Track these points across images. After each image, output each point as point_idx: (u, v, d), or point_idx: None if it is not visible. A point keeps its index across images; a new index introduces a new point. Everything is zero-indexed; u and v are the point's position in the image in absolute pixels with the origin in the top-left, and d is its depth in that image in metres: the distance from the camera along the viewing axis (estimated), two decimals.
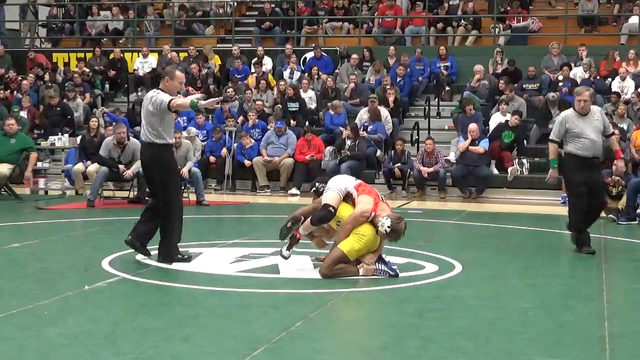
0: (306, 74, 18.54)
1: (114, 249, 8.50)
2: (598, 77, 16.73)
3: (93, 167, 13.58)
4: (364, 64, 18.88)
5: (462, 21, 20.03)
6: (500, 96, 16.46)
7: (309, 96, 17.61)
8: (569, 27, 19.07)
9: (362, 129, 15.66)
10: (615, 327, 5.77)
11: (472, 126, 15.07)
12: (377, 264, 7.38)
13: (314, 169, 15.33)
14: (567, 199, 13.70)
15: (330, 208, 7.40)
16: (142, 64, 19.90)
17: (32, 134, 16.47)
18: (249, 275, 7.45)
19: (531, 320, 5.99)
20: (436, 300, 6.58)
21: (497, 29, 19.56)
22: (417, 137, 16.29)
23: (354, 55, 18.60)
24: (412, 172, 15.11)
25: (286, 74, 18.69)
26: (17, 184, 14.44)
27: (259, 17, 21.56)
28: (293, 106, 17.13)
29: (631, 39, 18.92)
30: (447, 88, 18.22)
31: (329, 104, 16.92)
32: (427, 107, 17.06)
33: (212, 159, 15.90)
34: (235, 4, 22.45)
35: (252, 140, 16.01)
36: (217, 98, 8.09)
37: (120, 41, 22.09)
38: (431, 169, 14.92)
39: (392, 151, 15.54)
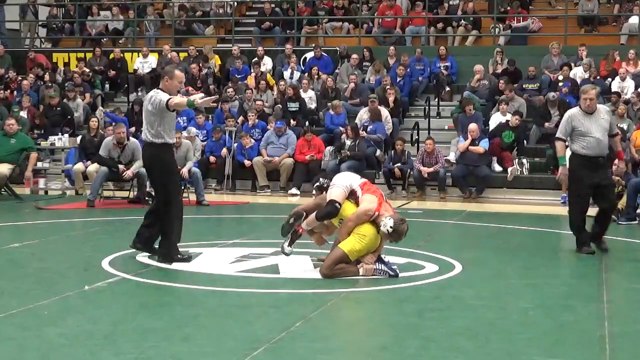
0: (306, 74, 18.54)
1: (114, 249, 8.51)
2: (598, 77, 16.73)
3: (93, 167, 13.58)
4: (364, 64, 18.88)
5: (462, 21, 20.02)
6: (500, 96, 16.46)
7: (309, 96, 17.61)
8: (569, 27, 19.07)
9: (362, 129, 15.66)
10: (615, 327, 5.77)
11: (472, 126, 15.07)
12: (376, 263, 7.38)
13: (314, 169, 15.34)
14: (566, 198, 13.81)
15: (337, 204, 7.38)
16: (142, 64, 19.90)
17: (32, 134, 16.48)
18: (249, 275, 7.45)
19: (531, 320, 5.99)
20: (436, 300, 6.58)
21: (497, 29, 19.56)
22: (417, 137, 16.29)
23: (354, 55, 18.60)
24: (412, 172, 15.11)
25: (287, 74, 18.69)
26: (17, 184, 14.44)
27: (259, 17, 21.56)
28: (293, 106, 17.13)
29: (631, 39, 18.92)
30: (447, 88, 18.21)
31: (329, 104, 16.92)
32: (427, 107, 17.06)
33: (212, 159, 15.91)
34: (235, 4, 22.45)
35: (252, 140, 16.01)
36: (213, 97, 8.09)
37: (120, 41, 22.09)
38: (431, 169, 14.92)
39: (392, 151, 15.54)
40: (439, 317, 6.02)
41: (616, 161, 9.36)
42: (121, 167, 13.07)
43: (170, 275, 7.47)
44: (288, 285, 7.12)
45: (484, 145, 15.00)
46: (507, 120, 15.53)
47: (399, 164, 15.19)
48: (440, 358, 5.01)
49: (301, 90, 17.51)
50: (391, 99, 16.73)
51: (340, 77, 18.37)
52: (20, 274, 7.45)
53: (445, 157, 15.29)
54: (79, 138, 15.65)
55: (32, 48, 22.56)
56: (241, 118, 16.92)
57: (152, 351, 5.00)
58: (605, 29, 19.66)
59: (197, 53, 19.63)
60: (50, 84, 18.88)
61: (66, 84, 18.88)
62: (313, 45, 19.63)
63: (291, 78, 18.53)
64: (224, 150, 15.88)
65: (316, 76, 18.36)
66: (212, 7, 22.60)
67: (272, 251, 8.50)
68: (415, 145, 16.17)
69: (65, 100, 18.00)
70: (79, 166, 14.23)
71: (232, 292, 6.82)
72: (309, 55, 19.46)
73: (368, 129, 15.76)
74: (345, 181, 7.60)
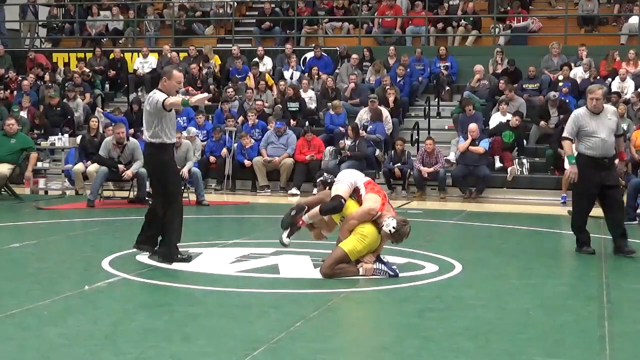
0: (306, 74, 18.54)
1: (114, 249, 8.51)
2: (598, 77, 16.73)
3: (93, 167, 13.58)
4: (364, 64, 18.88)
5: (462, 21, 20.03)
6: (500, 96, 16.46)
7: (309, 96, 17.61)
8: (569, 27, 19.06)
9: (362, 129, 15.66)
10: (615, 327, 5.77)
11: (472, 126, 15.07)
12: (376, 263, 7.38)
13: (314, 169, 15.32)
14: (566, 198, 13.81)
15: (342, 199, 7.38)
16: (142, 64, 19.90)
17: (32, 134, 16.48)
18: (249, 275, 7.45)
19: (531, 320, 5.98)
20: (436, 300, 6.58)
21: (497, 29, 19.56)
22: (417, 137, 16.29)
23: (354, 55, 18.60)
24: (412, 172, 15.11)
25: (287, 74, 18.69)
26: (17, 184, 14.44)
27: (259, 17, 21.56)
28: (293, 106, 17.13)
29: (631, 39, 18.92)
30: (447, 88, 18.21)
31: (329, 104, 16.92)
32: (427, 107, 17.06)
33: (212, 159, 15.91)
34: (235, 4, 22.45)
35: (252, 140, 16.02)
36: (206, 94, 8.07)
37: (120, 41, 22.09)
38: (431, 169, 14.92)
39: (392, 151, 15.54)
40: (439, 317, 6.01)
41: (616, 161, 9.34)
42: (121, 167, 13.07)
43: (170, 275, 7.47)
44: (288, 285, 7.12)
45: (484, 145, 15.00)
46: (508, 120, 15.53)
47: (399, 164, 15.19)
48: (440, 358, 5.01)
49: (301, 90, 17.51)
50: (391, 99, 16.73)
51: (340, 77, 18.37)
52: (20, 274, 7.45)
53: (445, 157, 15.29)
54: (79, 138, 15.66)
55: (32, 48, 22.57)
56: (241, 118, 16.92)
57: (152, 351, 5.00)
58: (605, 29, 19.67)
59: (197, 53, 19.63)
60: (50, 84, 18.89)
61: (66, 84, 18.89)
62: (313, 45, 19.63)
63: (291, 78, 18.54)
64: (224, 150, 15.88)
65: (316, 76, 18.36)
66: (212, 7, 22.61)
67: (272, 251, 8.51)
68: (415, 145, 16.17)
69: (65, 100, 18.01)
70: (79, 166, 14.23)
71: (232, 292, 6.81)
72: (309, 55, 19.46)
73: (368, 129, 15.76)
74: (350, 178, 7.60)
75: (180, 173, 12.15)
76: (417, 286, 7.11)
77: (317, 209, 7.49)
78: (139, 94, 18.83)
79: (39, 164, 15.51)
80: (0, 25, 23.35)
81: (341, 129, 16.04)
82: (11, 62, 20.87)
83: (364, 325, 6.12)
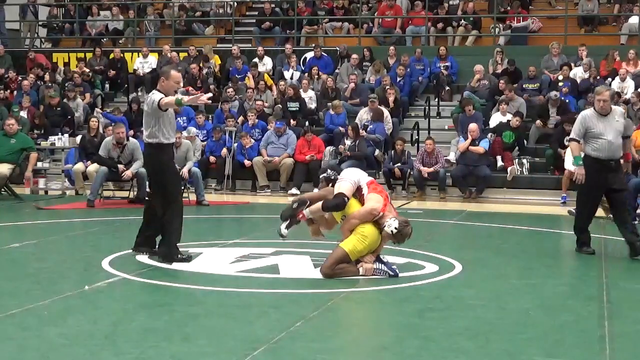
0: (306, 74, 18.54)
1: (114, 249, 8.51)
2: (598, 77, 16.72)
3: (93, 167, 13.58)
4: (364, 64, 18.88)
5: (462, 21, 20.02)
6: (500, 96, 16.46)
7: (309, 96, 17.61)
8: (569, 27, 19.06)
9: (362, 129, 15.65)
10: (615, 327, 5.77)
11: (472, 126, 15.06)
12: (375, 263, 7.39)
13: (314, 169, 15.32)
14: (566, 198, 13.81)
15: (346, 197, 7.38)
16: (142, 64, 19.89)
17: (32, 134, 16.47)
18: (249, 275, 7.45)
19: (531, 320, 5.99)
20: (436, 300, 6.58)
21: (497, 29, 19.56)
22: (417, 137, 16.28)
23: (354, 55, 18.59)
24: (412, 172, 15.11)
25: (287, 74, 18.69)
26: (17, 184, 14.44)
27: (259, 17, 21.56)
28: (293, 106, 17.13)
29: (631, 39, 18.91)
30: (447, 88, 18.21)
31: (329, 104, 16.92)
32: (427, 107, 17.06)
33: (212, 159, 15.91)
34: (235, 4, 22.45)
35: (252, 140, 16.01)
36: (199, 94, 8.07)
37: (120, 41, 22.09)
38: (431, 169, 14.92)
39: (392, 151, 15.54)
40: (439, 317, 6.01)
41: (621, 161, 9.32)
42: (121, 167, 13.07)
43: (170, 275, 7.47)
44: (288, 285, 7.12)
45: (484, 145, 15.00)
46: (508, 120, 15.53)
47: (399, 164, 15.19)
48: (440, 358, 5.01)
49: (301, 90, 17.51)
50: (391, 99, 16.72)
51: (340, 77, 18.37)
52: (20, 274, 7.45)
53: (445, 157, 15.28)
54: (79, 138, 15.65)
55: (32, 48, 22.56)
56: (241, 118, 16.92)
57: (152, 351, 5.00)
58: (605, 29, 19.66)
59: (197, 53, 19.63)
60: (50, 84, 18.89)
61: (66, 84, 18.89)
62: (313, 45, 19.63)
63: (291, 78, 18.53)
64: (224, 150, 15.88)
65: (316, 76, 18.36)
66: (212, 7, 22.61)
67: (272, 251, 8.51)
68: (415, 145, 16.16)
69: (65, 100, 18.01)
70: (79, 166, 14.23)
71: (232, 292, 6.81)
72: (309, 55, 19.46)
73: (368, 129, 15.76)
74: (354, 176, 7.60)
75: (180, 173, 12.15)
76: (417, 286, 7.11)
77: (319, 204, 7.48)
78: (139, 94, 18.83)
79: (39, 164, 15.51)
80: (0, 25, 23.34)
81: (341, 129, 16.04)
82: (11, 62, 20.87)
83: (364, 325, 6.12)
